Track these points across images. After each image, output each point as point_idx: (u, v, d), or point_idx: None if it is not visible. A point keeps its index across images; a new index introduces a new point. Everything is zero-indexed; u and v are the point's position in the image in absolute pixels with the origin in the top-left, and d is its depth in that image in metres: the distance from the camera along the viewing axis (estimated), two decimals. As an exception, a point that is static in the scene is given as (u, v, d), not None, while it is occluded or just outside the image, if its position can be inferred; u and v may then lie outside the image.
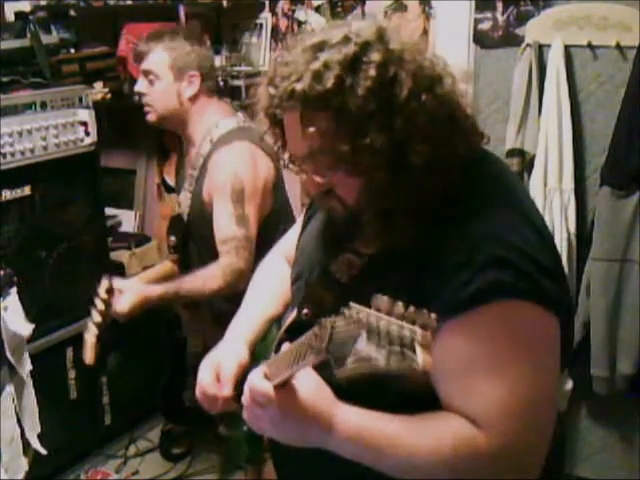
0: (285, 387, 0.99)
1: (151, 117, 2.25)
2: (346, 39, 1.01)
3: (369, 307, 0.78)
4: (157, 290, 1.99)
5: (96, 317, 1.93)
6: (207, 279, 2.02)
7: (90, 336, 1.91)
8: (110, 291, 1.93)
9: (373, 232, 1.08)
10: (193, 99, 2.21)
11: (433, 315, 0.74)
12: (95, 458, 2.93)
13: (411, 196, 1.02)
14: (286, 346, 1.06)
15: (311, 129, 1.01)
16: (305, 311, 1.18)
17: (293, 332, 1.14)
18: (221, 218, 2.10)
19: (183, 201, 2.32)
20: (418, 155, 0.99)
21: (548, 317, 1.02)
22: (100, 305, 1.92)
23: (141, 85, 2.23)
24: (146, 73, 2.21)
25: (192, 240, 2.31)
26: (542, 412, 1.04)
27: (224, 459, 1.54)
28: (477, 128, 1.12)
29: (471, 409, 1.00)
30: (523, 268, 0.99)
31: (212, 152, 2.17)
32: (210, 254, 2.11)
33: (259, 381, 1.01)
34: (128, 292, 1.94)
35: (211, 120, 2.23)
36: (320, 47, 1.02)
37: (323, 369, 0.93)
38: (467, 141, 1.07)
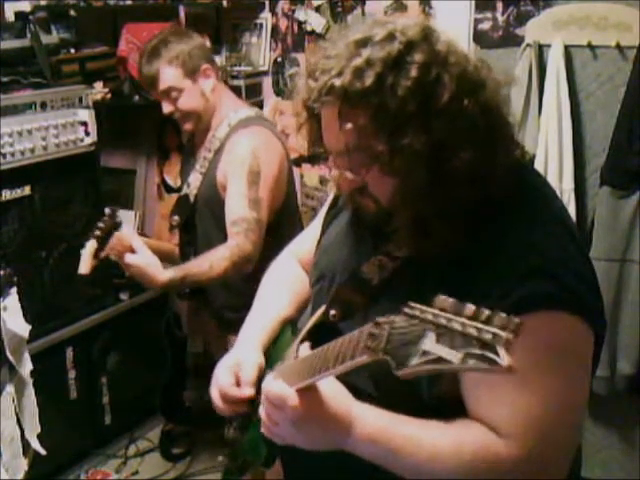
0: (309, 389, 0.97)
1: (189, 127, 2.27)
2: (390, 37, 0.99)
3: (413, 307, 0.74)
4: (164, 275, 1.91)
5: (97, 233, 1.88)
6: (214, 261, 1.98)
7: (88, 247, 1.87)
8: (112, 225, 1.89)
9: (407, 235, 1.05)
10: (213, 89, 2.24)
11: (515, 319, 0.68)
12: (95, 458, 2.94)
13: (448, 202, 1.00)
14: (306, 348, 1.04)
15: (348, 125, 0.99)
16: (333, 312, 1.15)
17: (317, 334, 1.13)
18: (234, 198, 2.09)
19: (192, 182, 2.31)
20: (457, 160, 0.97)
21: (586, 330, 1.01)
22: (98, 232, 1.88)
23: (168, 107, 2.23)
24: (167, 93, 2.21)
25: (198, 221, 2.31)
26: (568, 427, 1.03)
27: (230, 462, 1.51)
28: (515, 136, 1.10)
29: (497, 418, 0.99)
30: (564, 279, 0.98)
31: (230, 135, 2.19)
32: (217, 234, 2.11)
33: (275, 384, 0.99)
34: (138, 259, 1.89)
35: (230, 106, 2.27)
36: (364, 43, 0.99)
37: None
38: (507, 149, 1.05)
